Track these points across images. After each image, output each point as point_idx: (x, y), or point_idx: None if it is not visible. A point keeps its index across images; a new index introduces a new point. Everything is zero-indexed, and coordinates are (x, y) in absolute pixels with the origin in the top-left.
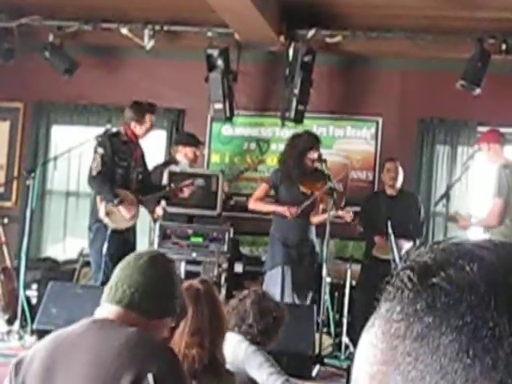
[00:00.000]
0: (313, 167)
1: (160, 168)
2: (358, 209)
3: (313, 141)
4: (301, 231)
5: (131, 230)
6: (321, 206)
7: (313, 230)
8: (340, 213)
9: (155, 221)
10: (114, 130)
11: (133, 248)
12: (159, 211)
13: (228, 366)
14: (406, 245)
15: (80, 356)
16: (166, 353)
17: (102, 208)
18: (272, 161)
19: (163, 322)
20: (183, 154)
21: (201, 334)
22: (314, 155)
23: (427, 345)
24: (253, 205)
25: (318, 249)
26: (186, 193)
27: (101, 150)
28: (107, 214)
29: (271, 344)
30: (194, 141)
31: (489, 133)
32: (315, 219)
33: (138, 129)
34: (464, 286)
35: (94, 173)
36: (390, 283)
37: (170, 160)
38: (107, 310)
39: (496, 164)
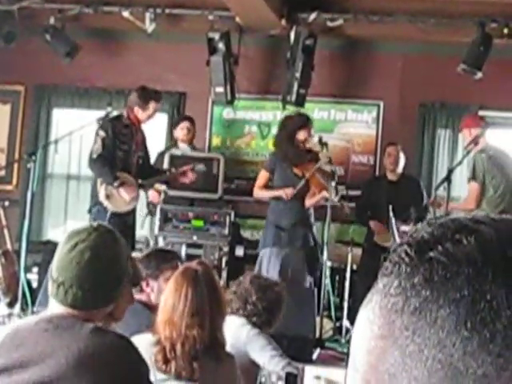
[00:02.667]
0: (304, 148)
1: (163, 154)
2: (358, 193)
3: (301, 121)
4: (294, 214)
5: (131, 213)
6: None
7: (308, 213)
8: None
9: (148, 204)
10: (115, 112)
11: (132, 231)
12: (154, 197)
13: (229, 349)
14: (404, 227)
15: (36, 359)
16: (122, 358)
17: (101, 191)
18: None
19: (113, 305)
20: (177, 137)
21: (201, 315)
22: (303, 135)
23: (425, 318)
24: (256, 193)
25: (314, 232)
26: (187, 179)
27: (102, 133)
28: (107, 196)
29: (276, 322)
30: (177, 119)
31: (470, 118)
32: (307, 202)
33: (140, 114)
34: (461, 259)
35: (95, 155)
36: (387, 259)
37: (172, 145)
38: (60, 309)
39: (474, 149)
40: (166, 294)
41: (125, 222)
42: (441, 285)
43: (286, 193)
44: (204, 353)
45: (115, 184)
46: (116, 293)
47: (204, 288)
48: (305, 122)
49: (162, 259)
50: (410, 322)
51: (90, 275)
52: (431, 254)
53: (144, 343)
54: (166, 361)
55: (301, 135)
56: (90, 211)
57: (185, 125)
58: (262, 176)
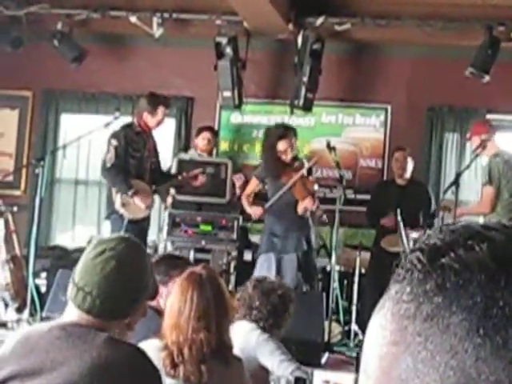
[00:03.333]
0: (287, 158)
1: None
2: (366, 197)
3: (280, 132)
4: (287, 220)
5: (146, 219)
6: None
7: (302, 218)
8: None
9: (166, 209)
10: (123, 117)
11: (146, 236)
12: (169, 200)
13: (239, 353)
14: (414, 234)
15: (48, 366)
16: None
17: (117, 199)
18: None
19: (131, 318)
20: (196, 145)
21: (207, 318)
22: (283, 146)
23: (437, 325)
24: (242, 200)
25: (312, 237)
26: (198, 182)
27: (115, 142)
28: (123, 204)
29: (285, 325)
30: (201, 129)
31: (478, 125)
32: (298, 209)
33: (149, 119)
34: (474, 266)
35: (108, 165)
36: (399, 265)
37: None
38: (76, 314)
39: (487, 154)
40: (171, 299)
41: (141, 228)
42: (453, 291)
43: (255, 213)
44: (212, 356)
45: (129, 193)
46: (133, 307)
47: (209, 292)
48: (283, 132)
49: (172, 265)
50: (422, 328)
51: (112, 284)
52: (443, 260)
53: (152, 348)
54: (174, 365)
55: (280, 146)
56: (107, 218)
57: (206, 135)
58: (252, 183)
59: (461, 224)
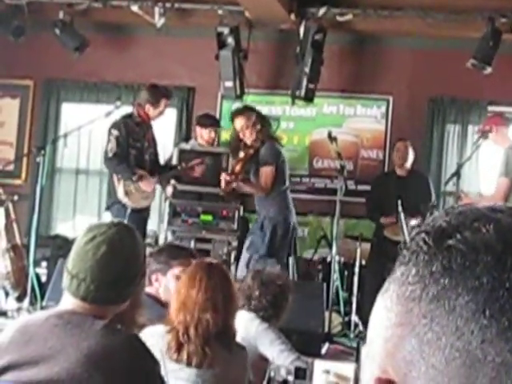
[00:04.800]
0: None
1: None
2: (367, 188)
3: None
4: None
5: (147, 209)
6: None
7: (261, 201)
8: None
9: (166, 199)
10: (121, 107)
11: (146, 226)
12: (169, 190)
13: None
14: (412, 221)
15: (46, 355)
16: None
17: (120, 188)
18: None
19: (126, 303)
20: (199, 135)
21: (214, 300)
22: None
23: (443, 306)
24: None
25: (271, 219)
26: (197, 172)
27: (115, 132)
28: (126, 193)
29: (283, 315)
30: (206, 121)
31: (494, 117)
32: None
33: (151, 111)
34: (480, 247)
35: (110, 154)
36: (405, 247)
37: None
38: (72, 302)
39: (502, 146)
40: (179, 286)
41: (144, 217)
42: (459, 273)
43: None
44: (216, 339)
45: (134, 178)
46: (128, 291)
47: (217, 278)
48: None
49: (172, 255)
50: (428, 309)
51: (105, 269)
52: (450, 242)
53: (156, 334)
54: (179, 346)
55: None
56: (107, 208)
57: (214, 129)
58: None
59: (467, 207)
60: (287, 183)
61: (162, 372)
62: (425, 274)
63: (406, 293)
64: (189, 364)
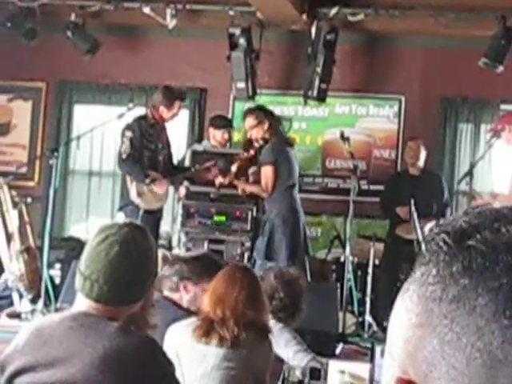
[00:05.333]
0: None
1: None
2: (380, 187)
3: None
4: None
5: (160, 210)
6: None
7: (266, 202)
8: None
9: (179, 200)
10: (134, 109)
11: (159, 227)
12: (182, 191)
13: None
14: (428, 225)
15: (61, 357)
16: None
17: (133, 189)
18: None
19: (139, 303)
20: (212, 136)
21: (252, 297)
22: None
23: (463, 306)
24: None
25: (270, 221)
26: (211, 174)
27: (129, 134)
28: (139, 194)
29: (301, 315)
30: (219, 123)
31: (507, 116)
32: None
33: (165, 113)
34: (500, 248)
35: (124, 156)
36: (424, 248)
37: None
38: (86, 304)
39: None
40: (214, 284)
41: (156, 219)
42: (479, 273)
43: None
44: (249, 329)
45: (147, 181)
46: (141, 291)
47: (252, 279)
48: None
49: (209, 268)
50: (448, 310)
51: (118, 269)
52: (470, 242)
53: (182, 325)
54: (210, 329)
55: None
56: (120, 209)
57: (227, 130)
58: None
59: (486, 207)
60: (291, 182)
61: (178, 373)
62: (445, 274)
63: (426, 293)
64: (219, 345)
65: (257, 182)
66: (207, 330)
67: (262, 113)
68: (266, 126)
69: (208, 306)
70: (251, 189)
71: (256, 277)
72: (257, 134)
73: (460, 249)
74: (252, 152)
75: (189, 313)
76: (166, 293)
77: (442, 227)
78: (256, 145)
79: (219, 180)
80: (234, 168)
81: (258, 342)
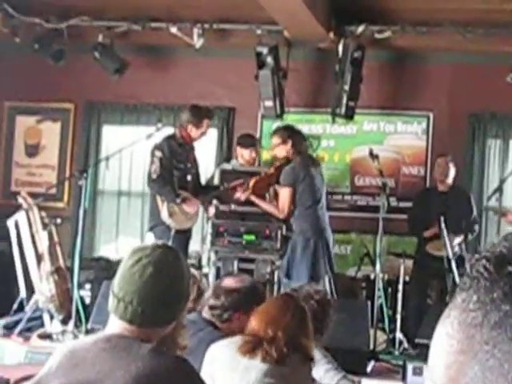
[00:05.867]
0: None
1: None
2: (409, 204)
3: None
4: None
5: (190, 230)
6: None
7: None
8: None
9: (208, 220)
10: (162, 129)
11: (188, 246)
12: (211, 210)
13: None
14: (457, 239)
15: (94, 379)
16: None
17: (164, 210)
18: (323, 158)
19: (172, 325)
20: (240, 155)
21: (302, 324)
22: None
23: (505, 332)
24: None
25: (292, 241)
26: (239, 193)
27: (159, 153)
28: (170, 214)
29: (326, 331)
30: (248, 141)
31: None
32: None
33: (193, 132)
34: None
35: (154, 176)
36: (465, 274)
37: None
38: (119, 326)
39: None
40: (266, 306)
41: (186, 238)
42: None
43: None
44: (295, 351)
45: (178, 200)
46: (175, 313)
47: (302, 307)
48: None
49: (256, 300)
50: (490, 336)
51: (152, 291)
52: (510, 268)
53: (225, 342)
54: (257, 345)
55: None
56: (150, 229)
57: (254, 149)
58: None
59: None
60: (312, 200)
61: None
62: (486, 300)
63: (467, 319)
64: (264, 360)
65: (275, 200)
66: (254, 346)
67: (286, 132)
68: (289, 145)
69: (258, 325)
70: (267, 207)
71: (304, 306)
72: (280, 152)
73: (500, 275)
74: (272, 170)
75: (226, 334)
76: (205, 315)
77: (482, 253)
78: (277, 163)
79: (237, 195)
80: (251, 183)
81: (301, 364)
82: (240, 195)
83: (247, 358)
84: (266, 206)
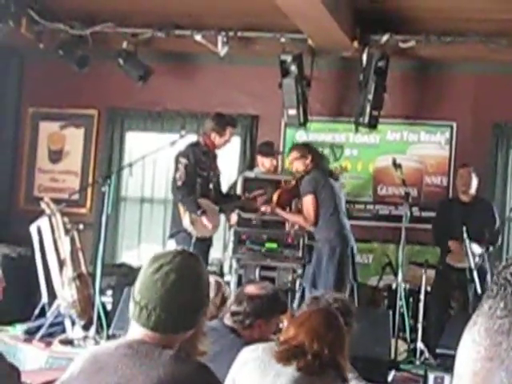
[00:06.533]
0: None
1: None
2: (431, 214)
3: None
4: None
5: (211, 238)
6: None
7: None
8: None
9: (230, 227)
10: (189, 136)
11: (209, 254)
12: (234, 218)
13: None
14: (478, 250)
15: (116, 383)
16: None
17: (186, 217)
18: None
19: (193, 330)
20: (260, 164)
21: (339, 341)
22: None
23: None
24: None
25: (316, 249)
26: (259, 202)
27: (184, 160)
28: (192, 222)
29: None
30: (268, 150)
31: None
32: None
33: (217, 140)
34: None
35: (180, 183)
36: (492, 281)
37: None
38: (141, 332)
39: None
40: (311, 321)
41: (207, 246)
42: None
43: None
44: (331, 366)
45: (198, 213)
46: (196, 319)
47: (342, 324)
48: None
49: (277, 307)
50: None
51: (174, 297)
52: None
53: (258, 347)
54: (292, 355)
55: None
56: (171, 236)
57: (275, 157)
58: None
59: None
60: (334, 207)
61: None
62: None
63: (494, 326)
64: (299, 369)
65: (300, 212)
66: (295, 355)
67: (306, 148)
68: (308, 159)
69: (304, 337)
70: (294, 219)
71: (344, 326)
72: (299, 166)
73: None
74: (293, 182)
75: (247, 341)
76: (227, 321)
77: (509, 261)
78: (297, 175)
79: (262, 209)
80: (274, 198)
81: (333, 382)
82: (265, 209)
83: (281, 364)
84: (292, 218)
